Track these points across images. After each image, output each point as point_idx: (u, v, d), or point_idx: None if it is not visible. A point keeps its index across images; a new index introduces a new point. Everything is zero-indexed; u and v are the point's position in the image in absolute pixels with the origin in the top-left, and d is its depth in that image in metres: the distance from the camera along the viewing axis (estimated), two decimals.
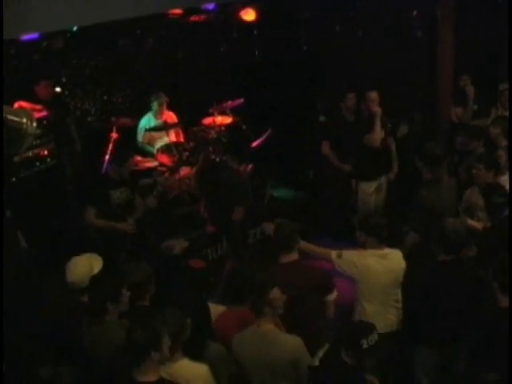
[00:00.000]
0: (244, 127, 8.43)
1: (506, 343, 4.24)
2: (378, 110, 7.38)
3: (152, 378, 3.63)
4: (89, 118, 8.95)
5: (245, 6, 8.62)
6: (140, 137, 8.27)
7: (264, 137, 8.54)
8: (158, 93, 8.18)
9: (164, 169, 7.92)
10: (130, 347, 3.65)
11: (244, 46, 9.76)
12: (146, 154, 8.19)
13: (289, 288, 4.45)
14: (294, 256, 5.05)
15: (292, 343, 4.33)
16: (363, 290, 5.23)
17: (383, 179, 7.84)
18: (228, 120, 8.35)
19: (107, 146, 7.78)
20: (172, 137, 8.14)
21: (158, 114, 8.20)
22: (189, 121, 8.45)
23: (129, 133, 8.19)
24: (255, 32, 9.65)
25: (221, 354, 4.34)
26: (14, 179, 6.76)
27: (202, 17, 8.74)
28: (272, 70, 9.41)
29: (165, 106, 8.22)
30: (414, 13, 9.34)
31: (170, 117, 8.31)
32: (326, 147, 8.05)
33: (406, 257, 5.31)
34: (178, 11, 7.97)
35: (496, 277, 4.52)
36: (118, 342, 4.03)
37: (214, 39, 9.57)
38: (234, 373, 4.37)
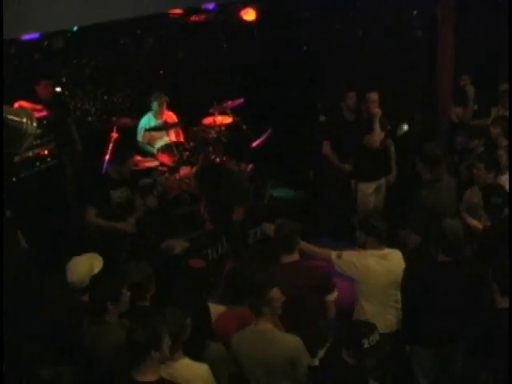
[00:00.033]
0: (244, 127, 8.42)
1: (504, 344, 4.24)
2: (377, 111, 7.37)
3: (152, 377, 3.64)
4: (89, 118, 8.96)
5: (245, 5, 8.62)
6: (140, 137, 8.27)
7: (264, 137, 8.53)
8: (158, 93, 8.19)
9: (164, 169, 7.91)
10: (131, 347, 3.66)
11: (244, 46, 9.75)
12: (146, 154, 8.20)
13: (289, 288, 4.45)
14: (295, 256, 5.03)
15: (289, 342, 4.33)
16: (363, 290, 5.22)
17: (382, 181, 7.83)
18: (228, 120, 8.35)
19: (107, 146, 7.77)
20: (172, 137, 8.13)
21: (158, 114, 8.21)
22: (189, 121, 8.45)
23: (129, 133, 8.19)
24: (255, 32, 9.64)
25: (221, 354, 4.35)
26: (14, 179, 6.76)
27: (202, 17, 8.75)
28: (272, 70, 9.40)
29: (165, 106, 8.23)
30: (414, 13, 9.34)
31: (170, 117, 8.31)
32: (326, 147, 8.04)
33: (406, 258, 5.31)
34: (178, 11, 7.99)
35: (495, 277, 4.51)
36: (118, 342, 4.03)
37: (214, 39, 9.56)
38: (234, 372, 4.38)
